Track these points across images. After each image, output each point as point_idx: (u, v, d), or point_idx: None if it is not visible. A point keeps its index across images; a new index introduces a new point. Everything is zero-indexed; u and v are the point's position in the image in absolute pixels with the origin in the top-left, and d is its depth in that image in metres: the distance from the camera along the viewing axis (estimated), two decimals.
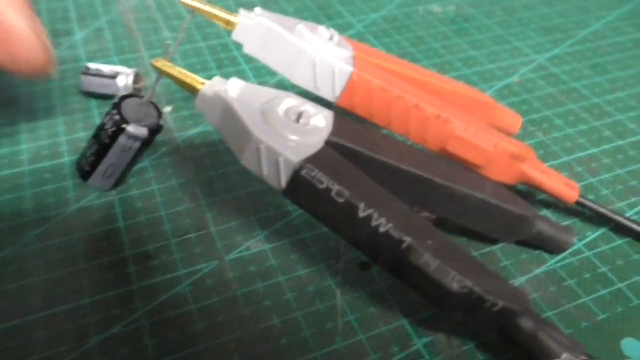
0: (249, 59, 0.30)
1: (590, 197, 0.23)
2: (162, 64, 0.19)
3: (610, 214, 0.21)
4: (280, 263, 0.20)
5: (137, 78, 0.27)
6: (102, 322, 0.18)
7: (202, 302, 0.19)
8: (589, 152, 0.25)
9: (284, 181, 0.17)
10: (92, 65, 0.27)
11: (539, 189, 0.21)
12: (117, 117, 0.20)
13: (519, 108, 0.28)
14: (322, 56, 0.20)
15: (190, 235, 0.21)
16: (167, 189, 0.23)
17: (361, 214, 0.16)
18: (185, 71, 0.19)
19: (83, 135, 0.25)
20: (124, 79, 0.26)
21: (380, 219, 0.16)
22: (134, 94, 0.21)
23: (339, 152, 0.18)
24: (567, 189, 0.20)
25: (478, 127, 0.20)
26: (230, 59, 0.31)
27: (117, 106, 0.20)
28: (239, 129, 0.18)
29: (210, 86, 0.19)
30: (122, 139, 0.20)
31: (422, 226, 0.17)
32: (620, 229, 0.21)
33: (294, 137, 0.18)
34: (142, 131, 0.20)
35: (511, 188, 0.21)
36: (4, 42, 0.20)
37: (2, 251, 0.20)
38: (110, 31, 0.32)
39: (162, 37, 0.32)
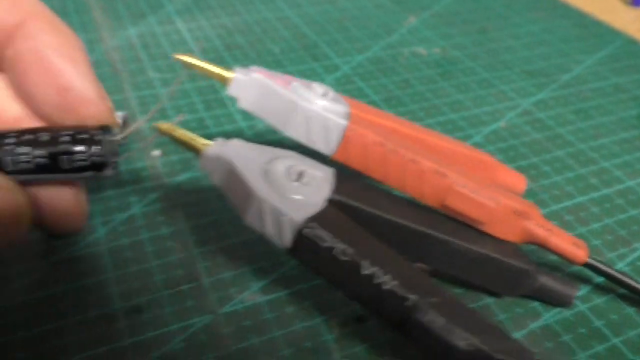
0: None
1: None
2: (167, 127, 0.19)
3: (623, 278, 0.20)
4: (276, 317, 0.20)
5: (125, 122, 0.27)
6: None
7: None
8: (577, 200, 0.25)
9: (288, 240, 0.17)
10: None
11: (544, 247, 0.20)
12: (98, 159, 0.19)
13: (506, 154, 0.28)
14: (316, 110, 0.20)
15: (182, 287, 0.21)
16: (157, 238, 0.22)
17: (364, 272, 0.16)
18: (188, 133, 0.19)
19: None
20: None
21: (383, 277, 0.16)
22: (109, 128, 0.20)
23: (341, 209, 0.18)
24: (575, 249, 0.20)
25: (479, 183, 0.20)
26: (221, 108, 0.31)
27: (100, 144, 0.19)
28: (241, 189, 0.18)
29: (213, 147, 0.19)
30: (86, 173, 0.19)
31: (426, 283, 0.17)
32: (633, 292, 0.21)
33: (296, 197, 0.18)
34: (109, 173, 0.19)
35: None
36: (73, 110, 0.20)
37: None
38: (95, 71, 0.32)
39: (148, 77, 0.32)
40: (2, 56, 0.20)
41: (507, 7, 0.43)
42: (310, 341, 0.19)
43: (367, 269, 0.16)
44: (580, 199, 0.26)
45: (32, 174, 0.19)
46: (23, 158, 0.19)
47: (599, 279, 0.22)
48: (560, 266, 0.22)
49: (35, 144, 0.19)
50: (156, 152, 0.27)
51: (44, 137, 0.19)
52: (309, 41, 0.37)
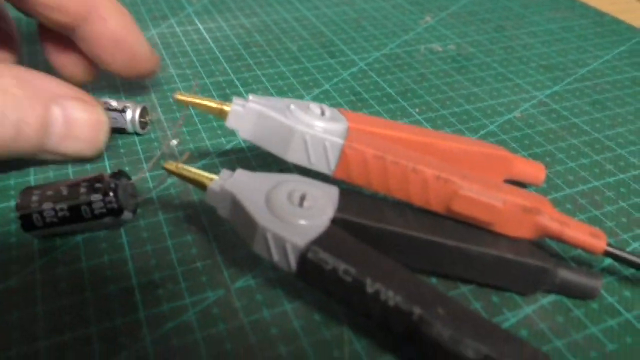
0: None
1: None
2: (175, 166, 0.20)
3: None
4: (287, 291, 0.20)
5: (143, 112, 0.27)
6: (108, 351, 0.18)
7: (208, 331, 0.19)
8: (591, 185, 0.25)
9: (293, 265, 0.18)
10: (101, 99, 0.27)
11: (561, 241, 0.19)
12: (114, 205, 0.21)
13: (521, 142, 0.28)
14: (312, 132, 0.20)
15: (196, 265, 0.21)
16: (173, 219, 0.23)
17: (369, 290, 0.17)
18: (194, 169, 0.20)
19: (89, 167, 0.25)
20: (131, 113, 0.27)
21: (387, 293, 0.17)
22: (124, 172, 0.22)
23: (346, 227, 0.19)
24: (593, 239, 0.19)
25: (484, 184, 0.20)
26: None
27: (114, 191, 0.21)
28: (246, 219, 0.18)
29: (216, 181, 0.19)
30: (105, 219, 0.21)
31: (432, 294, 0.17)
32: None
33: (299, 221, 0.18)
34: (129, 216, 0.21)
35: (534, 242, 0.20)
36: (137, 67, 0.28)
37: (7, 280, 0.20)
38: None
39: (168, 73, 0.33)
40: (78, 32, 0.27)
41: (525, 6, 0.44)
42: (320, 313, 0.19)
43: (371, 286, 0.17)
44: (596, 183, 0.25)
45: (58, 226, 0.21)
46: (49, 213, 0.21)
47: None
48: (582, 255, 0.22)
49: (57, 198, 0.21)
50: (174, 141, 0.27)
51: (64, 190, 0.21)
52: (326, 39, 0.38)
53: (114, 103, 0.27)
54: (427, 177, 0.20)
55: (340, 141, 0.20)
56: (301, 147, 0.20)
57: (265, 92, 0.32)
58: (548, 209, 0.20)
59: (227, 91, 0.32)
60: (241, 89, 0.32)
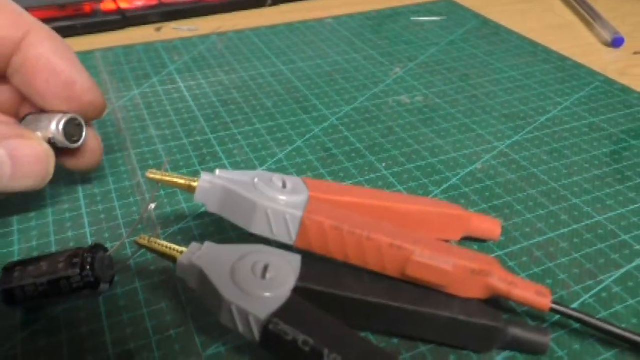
0: None
1: (548, 282, 0.24)
2: (147, 240, 0.22)
3: (585, 318, 0.21)
4: (255, 358, 0.21)
5: (71, 123, 0.26)
6: None
7: None
8: (547, 236, 0.27)
9: (257, 336, 0.19)
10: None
11: (509, 300, 0.21)
12: (90, 279, 0.22)
13: (482, 195, 0.30)
14: (274, 206, 0.22)
15: (170, 333, 0.22)
16: (149, 286, 0.24)
17: None
18: (165, 243, 0.22)
19: (70, 228, 0.27)
20: (55, 124, 0.26)
21: None
22: (101, 246, 0.23)
23: (307, 295, 0.20)
24: (538, 297, 0.20)
25: (435, 248, 0.21)
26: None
27: (91, 265, 0.22)
28: (213, 292, 0.20)
29: (186, 254, 0.21)
30: (84, 292, 0.22)
31: None
32: (593, 329, 0.21)
33: (262, 294, 0.19)
34: (105, 287, 0.23)
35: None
36: (78, 99, 0.26)
37: None
38: (101, 131, 0.35)
39: (149, 134, 0.35)
40: (11, 63, 0.25)
41: (490, 53, 0.46)
42: None
43: (328, 357, 0.18)
44: (551, 234, 0.27)
45: (38, 300, 0.22)
46: (29, 288, 0.22)
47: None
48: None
49: (37, 273, 0.22)
50: (152, 205, 0.29)
51: (44, 266, 0.22)
52: (300, 95, 0.39)
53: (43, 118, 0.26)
54: (382, 245, 0.21)
55: (299, 214, 0.21)
56: (264, 220, 0.22)
57: (240, 150, 0.33)
58: (497, 270, 0.21)
59: (204, 151, 0.33)
60: (217, 148, 0.33)
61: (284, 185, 0.22)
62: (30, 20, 0.26)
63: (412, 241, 0.21)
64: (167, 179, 0.23)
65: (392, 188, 0.30)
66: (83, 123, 0.27)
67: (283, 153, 0.33)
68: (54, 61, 0.25)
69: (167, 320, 0.23)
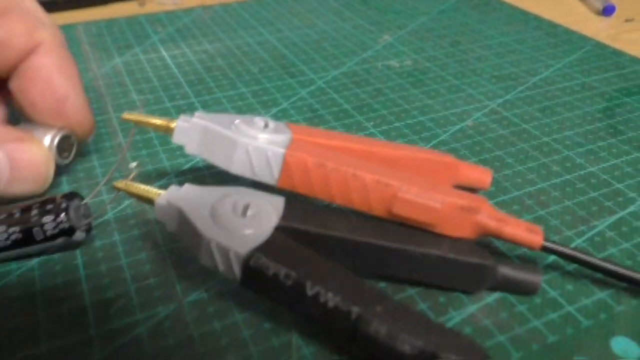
0: None
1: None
2: (124, 184, 0.21)
3: (580, 256, 0.20)
4: (238, 302, 0.21)
5: (64, 140, 0.26)
6: None
7: (158, 343, 0.19)
8: (538, 186, 0.26)
9: (237, 273, 0.18)
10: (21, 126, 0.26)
11: (500, 238, 0.20)
12: (65, 225, 0.21)
13: (472, 149, 0.29)
14: (255, 144, 0.21)
15: (149, 281, 0.21)
16: (128, 239, 0.23)
17: (309, 292, 0.17)
18: (142, 186, 0.21)
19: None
20: (49, 140, 0.25)
21: (327, 294, 0.17)
22: (76, 193, 0.22)
23: (291, 235, 0.19)
24: (530, 235, 0.20)
25: (423, 186, 0.20)
26: None
27: (65, 211, 0.21)
28: (192, 232, 0.19)
29: (163, 196, 0.20)
30: (58, 241, 0.21)
31: (372, 295, 0.18)
32: (588, 267, 0.20)
33: (243, 231, 0.19)
34: (81, 236, 0.22)
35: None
36: (66, 116, 0.25)
37: None
38: None
39: (129, 99, 0.34)
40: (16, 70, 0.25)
41: (481, 22, 0.45)
42: (270, 322, 0.20)
43: (311, 289, 0.17)
44: (542, 184, 0.26)
45: (12, 249, 0.21)
46: (1, 237, 0.21)
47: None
48: (528, 254, 0.23)
49: (8, 222, 0.21)
50: (133, 164, 0.28)
51: (17, 214, 0.21)
52: (286, 61, 0.39)
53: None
54: (367, 182, 0.20)
55: (282, 150, 0.21)
56: (245, 159, 0.21)
57: (225, 112, 0.32)
58: (486, 208, 0.20)
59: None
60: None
61: (266, 125, 0.22)
62: (43, 30, 0.25)
63: (400, 178, 0.20)
64: (144, 119, 0.22)
65: None
66: (75, 142, 0.26)
67: (269, 114, 0.32)
68: (53, 75, 0.25)
69: (146, 270, 0.22)
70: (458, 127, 0.31)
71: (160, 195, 0.20)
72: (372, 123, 0.31)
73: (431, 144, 0.29)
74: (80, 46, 0.41)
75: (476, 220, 0.20)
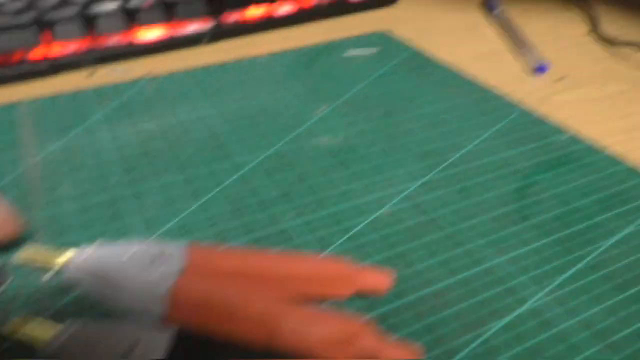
0: None
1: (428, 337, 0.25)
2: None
3: None
4: None
5: None
6: None
7: None
8: (440, 285, 0.27)
9: None
10: None
11: None
12: None
13: (387, 241, 0.30)
14: (141, 280, 0.22)
15: None
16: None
17: None
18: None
19: None
20: None
21: None
22: None
23: None
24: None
25: (304, 318, 0.22)
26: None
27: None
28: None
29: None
30: None
31: None
32: None
33: None
34: None
35: None
36: None
37: None
38: (15, 190, 0.34)
39: (60, 195, 0.35)
40: None
41: (416, 86, 0.46)
42: None
43: None
44: (445, 282, 0.27)
45: None
46: None
47: None
48: None
49: None
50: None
51: None
52: (219, 141, 0.40)
53: None
54: (251, 316, 0.21)
55: (167, 285, 0.22)
56: (133, 297, 0.22)
57: (156, 202, 0.33)
58: (364, 335, 0.22)
59: (120, 207, 0.33)
60: (130, 204, 0.33)
61: (157, 258, 0.23)
62: None
63: (282, 313, 0.21)
64: (39, 258, 0.23)
65: (301, 237, 0.30)
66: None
67: (196, 204, 0.33)
68: None
69: None
70: (375, 215, 0.32)
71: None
72: (289, 215, 0.32)
73: (349, 235, 0.31)
74: (19, 129, 0.42)
75: (353, 351, 0.21)
